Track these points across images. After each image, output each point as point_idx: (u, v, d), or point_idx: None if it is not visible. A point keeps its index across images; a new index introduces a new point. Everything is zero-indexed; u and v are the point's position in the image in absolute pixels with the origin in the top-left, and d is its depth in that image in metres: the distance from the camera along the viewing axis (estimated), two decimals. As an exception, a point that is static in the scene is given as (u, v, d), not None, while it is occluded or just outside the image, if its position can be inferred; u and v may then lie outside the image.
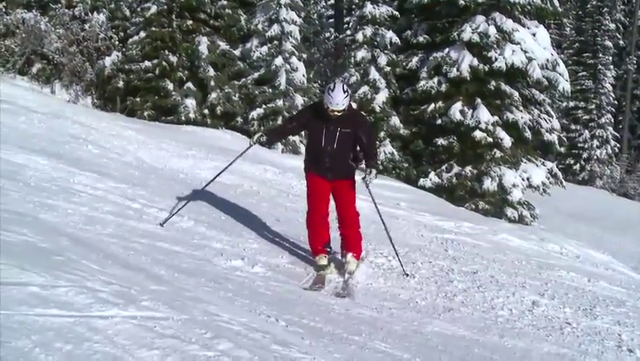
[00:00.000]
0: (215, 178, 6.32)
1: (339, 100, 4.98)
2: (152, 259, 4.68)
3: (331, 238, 5.57)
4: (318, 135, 5.19)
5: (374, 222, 7.45)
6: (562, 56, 25.99)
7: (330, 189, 5.35)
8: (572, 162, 32.90)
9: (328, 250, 5.52)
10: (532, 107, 15.68)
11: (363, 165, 5.49)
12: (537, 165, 15.34)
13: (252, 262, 5.30)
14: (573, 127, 33.03)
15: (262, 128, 16.03)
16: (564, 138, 19.40)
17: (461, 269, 6.21)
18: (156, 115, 15.97)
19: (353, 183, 5.39)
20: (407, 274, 5.63)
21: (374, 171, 5.26)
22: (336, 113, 5.00)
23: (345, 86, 5.08)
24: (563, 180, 16.22)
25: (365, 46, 16.28)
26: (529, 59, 14.52)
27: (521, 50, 14.53)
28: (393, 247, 5.73)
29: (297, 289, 4.97)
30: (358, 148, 5.30)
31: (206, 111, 16.37)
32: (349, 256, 5.40)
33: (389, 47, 16.28)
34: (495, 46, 14.58)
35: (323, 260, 5.42)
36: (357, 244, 5.50)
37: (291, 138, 15.09)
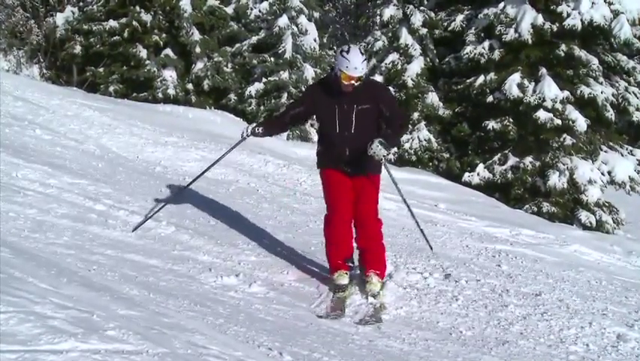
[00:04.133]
0: (202, 174, 6.31)
1: (357, 63, 4.95)
2: (120, 276, 4.69)
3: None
4: (330, 119, 5.19)
5: (404, 228, 7.45)
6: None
7: (352, 187, 5.35)
8: (674, 149, 32.50)
9: (350, 265, 5.52)
10: (617, 78, 15.52)
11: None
12: (622, 155, 15.20)
13: (249, 280, 5.30)
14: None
15: (262, 108, 16.09)
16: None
17: (519, 290, 6.17)
18: (125, 90, 16.08)
19: (377, 180, 5.38)
20: (432, 248, 6.15)
21: (376, 141, 4.91)
22: (352, 83, 4.99)
23: (362, 49, 5.10)
24: (660, 175, 16.05)
25: (395, 1, 16.24)
26: (616, 13, 14.32)
27: (604, 1, 14.35)
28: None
29: (307, 314, 4.97)
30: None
31: (190, 86, 16.44)
32: (371, 274, 5.40)
33: (426, 1, 16.21)
34: (568, -4, 14.44)
35: (343, 278, 5.41)
36: (380, 258, 5.50)
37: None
